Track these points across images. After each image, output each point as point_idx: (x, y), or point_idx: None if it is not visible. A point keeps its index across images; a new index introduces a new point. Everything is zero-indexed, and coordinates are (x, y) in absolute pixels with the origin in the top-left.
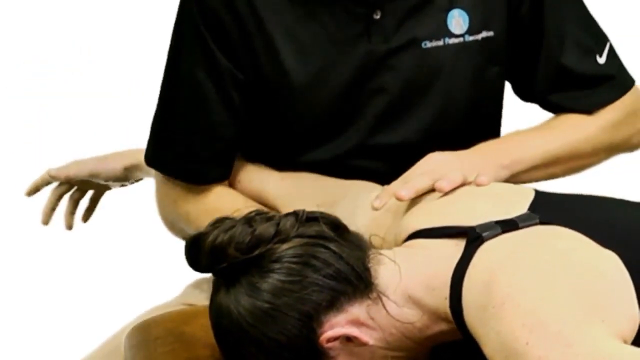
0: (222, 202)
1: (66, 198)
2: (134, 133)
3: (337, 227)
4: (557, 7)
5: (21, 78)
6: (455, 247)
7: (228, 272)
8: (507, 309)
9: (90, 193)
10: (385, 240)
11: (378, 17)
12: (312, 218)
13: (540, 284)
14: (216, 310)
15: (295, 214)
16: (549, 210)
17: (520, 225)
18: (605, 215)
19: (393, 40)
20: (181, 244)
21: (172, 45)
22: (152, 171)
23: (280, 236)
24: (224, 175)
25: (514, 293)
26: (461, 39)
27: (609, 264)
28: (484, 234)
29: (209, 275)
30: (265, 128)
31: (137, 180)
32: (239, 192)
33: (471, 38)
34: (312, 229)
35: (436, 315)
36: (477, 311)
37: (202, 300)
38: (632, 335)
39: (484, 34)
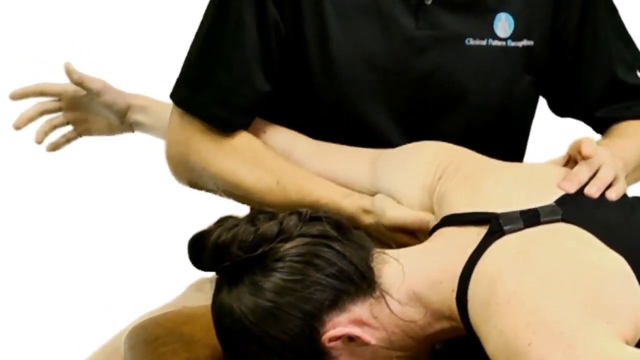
0: (239, 141)
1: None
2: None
3: (340, 226)
4: (604, 25)
5: (21, 78)
6: (475, 237)
7: (231, 270)
8: (511, 308)
9: (68, 129)
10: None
11: (429, 3)
12: (315, 217)
13: (546, 285)
14: (218, 308)
15: (298, 213)
16: (575, 206)
17: (542, 219)
18: (626, 220)
19: (438, 30)
20: (182, 245)
21: None
22: (155, 120)
23: (283, 235)
24: (248, 124)
25: (520, 292)
26: (504, 43)
27: (615, 266)
28: (506, 228)
29: (210, 275)
30: (294, 100)
31: (127, 129)
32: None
33: (513, 44)
34: (315, 228)
35: (439, 313)
36: (480, 306)
37: (202, 302)
38: (635, 337)
39: (525, 42)
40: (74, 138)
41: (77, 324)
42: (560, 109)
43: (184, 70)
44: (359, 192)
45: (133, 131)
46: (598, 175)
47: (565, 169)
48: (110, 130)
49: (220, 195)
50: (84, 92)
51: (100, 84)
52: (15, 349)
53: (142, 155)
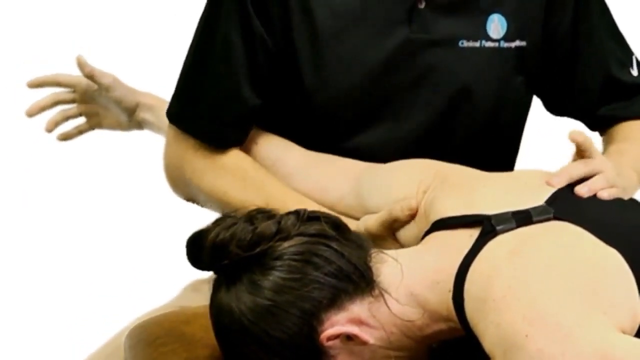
0: (229, 160)
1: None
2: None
3: (338, 226)
4: (597, 24)
5: (21, 78)
6: (468, 238)
7: (229, 269)
8: (508, 302)
9: (81, 121)
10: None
11: (422, 6)
12: (313, 217)
13: (542, 278)
14: (217, 308)
15: (296, 212)
16: (566, 204)
17: (534, 219)
18: (619, 217)
19: (432, 33)
20: (181, 244)
21: (209, 4)
22: (161, 120)
23: (281, 234)
24: (241, 140)
25: (515, 287)
26: (497, 44)
27: (611, 261)
28: (498, 228)
29: (207, 275)
30: (287, 108)
31: (136, 126)
32: (252, 154)
33: (506, 45)
34: (313, 228)
35: (437, 314)
36: (477, 304)
37: (199, 303)
38: (632, 331)
39: (518, 42)
40: (86, 130)
41: (76, 324)
42: (556, 109)
43: (177, 86)
44: (346, 207)
45: (142, 129)
46: (592, 179)
47: (552, 173)
48: (120, 126)
49: (217, 212)
50: (95, 86)
51: (110, 80)
52: (15, 349)
53: (140, 155)
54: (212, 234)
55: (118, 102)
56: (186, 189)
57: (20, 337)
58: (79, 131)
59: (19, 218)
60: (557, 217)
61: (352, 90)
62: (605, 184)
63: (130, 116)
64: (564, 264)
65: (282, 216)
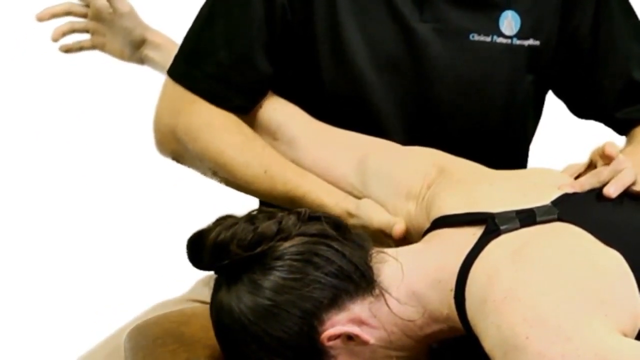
0: (230, 123)
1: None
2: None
3: (339, 226)
4: (619, 26)
5: (21, 73)
6: (471, 237)
7: (230, 269)
8: (508, 304)
9: (86, 37)
10: (416, 214)
11: None
12: (314, 217)
13: (543, 280)
14: (217, 307)
15: (297, 212)
16: (572, 206)
17: (538, 219)
18: (625, 219)
19: (442, 23)
20: (183, 243)
21: None
22: (166, 60)
23: (282, 234)
24: (247, 108)
25: (516, 288)
26: (509, 41)
27: (613, 263)
28: (502, 227)
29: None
30: (295, 86)
31: (137, 61)
32: (256, 116)
33: (518, 42)
34: (314, 228)
35: (438, 313)
36: (477, 304)
37: (209, 297)
38: (634, 333)
39: (531, 41)
40: (88, 48)
41: (76, 321)
42: (579, 111)
43: (185, 46)
44: (348, 185)
45: (143, 64)
46: (619, 176)
47: (564, 173)
48: (121, 56)
49: (204, 173)
50: (111, 9)
51: (127, 8)
52: (15, 347)
53: (152, 149)
54: (213, 234)
55: (127, 33)
56: (176, 146)
57: (21, 335)
58: (81, 47)
59: (23, 209)
60: (561, 218)
61: (363, 70)
62: (631, 178)
63: (134, 50)
64: (566, 266)
65: (282, 216)
